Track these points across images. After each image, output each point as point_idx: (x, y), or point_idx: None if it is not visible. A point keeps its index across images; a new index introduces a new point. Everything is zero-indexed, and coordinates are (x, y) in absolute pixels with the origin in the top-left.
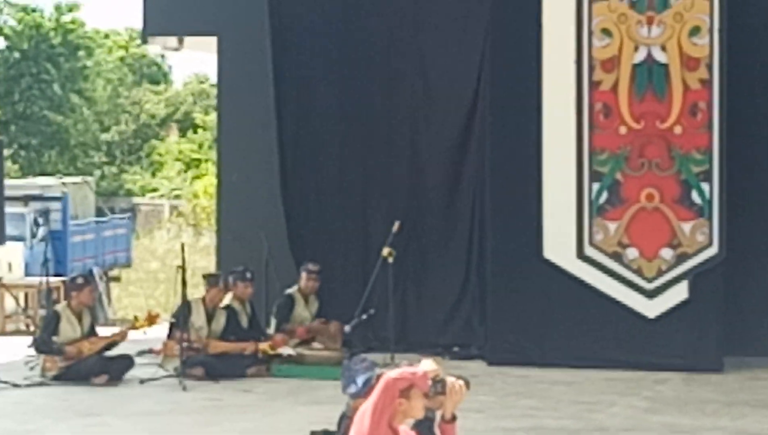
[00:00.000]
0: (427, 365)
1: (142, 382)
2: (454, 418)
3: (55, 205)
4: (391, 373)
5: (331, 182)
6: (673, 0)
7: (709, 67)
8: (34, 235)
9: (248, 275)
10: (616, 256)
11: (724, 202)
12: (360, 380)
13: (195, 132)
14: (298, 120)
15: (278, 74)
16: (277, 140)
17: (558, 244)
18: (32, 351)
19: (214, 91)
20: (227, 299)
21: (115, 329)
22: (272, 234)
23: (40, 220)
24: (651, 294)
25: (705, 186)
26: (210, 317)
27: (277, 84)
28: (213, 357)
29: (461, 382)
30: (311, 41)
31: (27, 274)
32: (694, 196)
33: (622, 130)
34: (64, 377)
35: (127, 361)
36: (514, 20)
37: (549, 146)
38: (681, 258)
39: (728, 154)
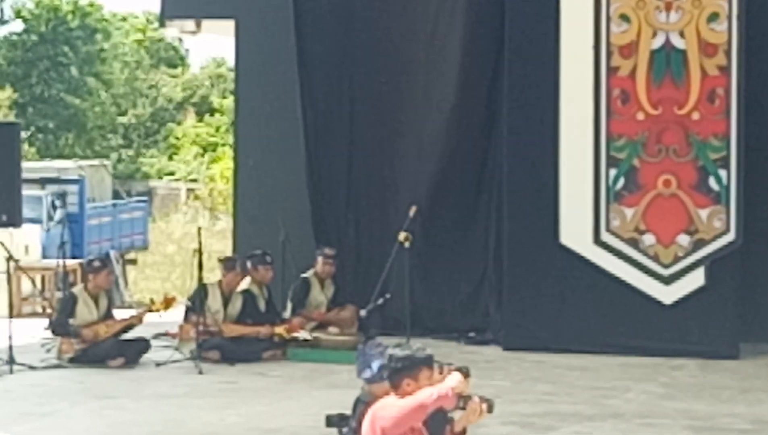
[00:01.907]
0: (455, 379)
1: (158, 365)
2: (463, 432)
3: (72, 188)
4: (425, 400)
5: (351, 166)
6: None
7: (728, 54)
8: (51, 218)
9: (268, 259)
10: (633, 242)
11: (742, 189)
12: (375, 365)
13: (212, 116)
14: (323, 105)
15: (302, 59)
16: (303, 125)
17: (574, 229)
18: (49, 333)
19: (232, 75)
20: (246, 283)
21: (132, 312)
22: (289, 218)
23: (57, 203)
24: (667, 280)
25: (722, 172)
26: (226, 301)
27: (301, 69)
28: (229, 340)
29: (485, 405)
30: (335, 25)
31: (44, 256)
32: (712, 182)
33: (640, 116)
34: (81, 360)
35: (143, 344)
36: (532, 5)
37: (566, 132)
38: (698, 244)
39: (746, 141)
